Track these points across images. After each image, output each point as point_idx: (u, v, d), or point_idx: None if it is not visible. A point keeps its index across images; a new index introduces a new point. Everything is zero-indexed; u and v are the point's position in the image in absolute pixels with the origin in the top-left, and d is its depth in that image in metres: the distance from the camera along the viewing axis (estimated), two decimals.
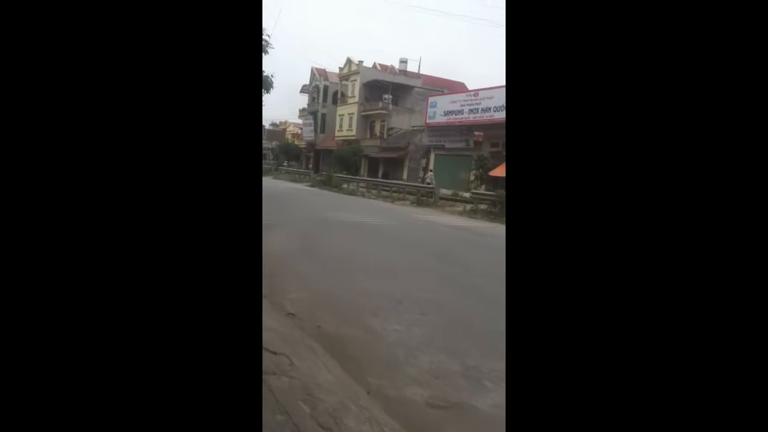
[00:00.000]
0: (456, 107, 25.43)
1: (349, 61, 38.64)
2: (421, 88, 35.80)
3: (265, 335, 3.36)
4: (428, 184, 24.52)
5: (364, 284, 5.24)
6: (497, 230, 11.06)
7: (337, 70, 40.33)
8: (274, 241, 7.40)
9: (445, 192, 18.58)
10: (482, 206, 14.96)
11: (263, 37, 11.52)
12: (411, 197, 18.71)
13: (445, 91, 30.95)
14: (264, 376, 2.69)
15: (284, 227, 9.09)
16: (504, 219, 13.09)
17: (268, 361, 2.93)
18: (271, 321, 3.79)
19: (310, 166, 41.41)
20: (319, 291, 4.88)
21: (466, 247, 8.93)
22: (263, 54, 11.53)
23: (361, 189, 22.81)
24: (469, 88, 29.31)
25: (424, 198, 17.81)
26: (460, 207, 16.36)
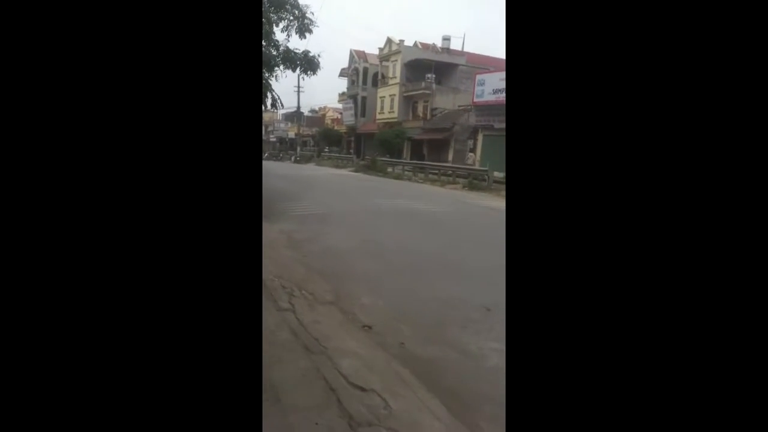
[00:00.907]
0: (505, 84, 24.09)
1: (389, 41, 37.56)
2: (466, 66, 34.38)
3: (349, 363, 2.81)
4: (470, 165, 23.79)
5: (439, 287, 4.62)
6: None
7: (376, 52, 39.39)
8: (330, 235, 6.88)
9: (497, 175, 17.56)
10: None
11: (308, 15, 10.81)
12: (462, 180, 17.81)
13: (491, 69, 29.51)
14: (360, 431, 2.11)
15: (337, 218, 8.57)
16: None
17: (358, 403, 2.35)
18: (349, 340, 3.23)
19: (351, 150, 41.03)
20: (392, 296, 4.30)
21: None
22: (307, 33, 10.83)
23: (406, 173, 22.08)
24: None
25: (476, 182, 16.88)
26: None
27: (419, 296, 4.32)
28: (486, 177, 17.02)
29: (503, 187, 15.93)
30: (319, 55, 11.41)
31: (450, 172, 19.91)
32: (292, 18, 10.60)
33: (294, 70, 11.24)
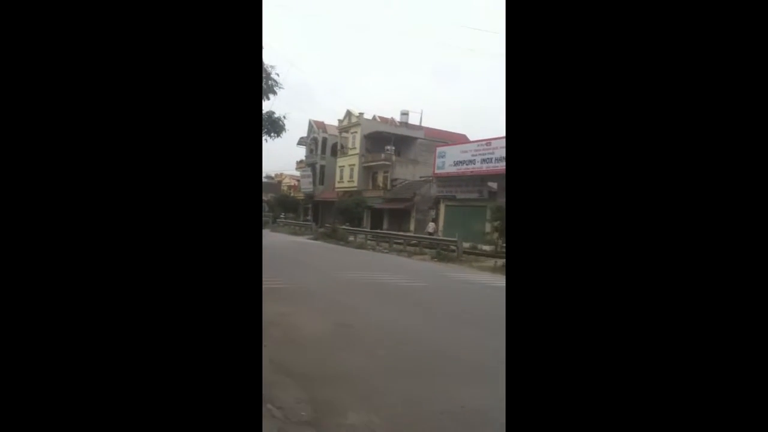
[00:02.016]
0: (467, 157, 24.36)
1: (348, 114, 38.16)
2: (424, 139, 35.11)
3: None
4: (430, 234, 23.32)
5: (447, 393, 3.52)
6: None
7: (335, 123, 39.79)
8: (296, 316, 5.67)
9: (465, 245, 16.91)
10: None
11: (273, 76, 10.15)
12: (429, 251, 16.99)
13: (449, 143, 30.06)
14: None
15: (303, 295, 7.35)
16: None
17: None
18: None
19: (308, 217, 40.21)
20: (388, 410, 3.14)
21: None
22: (272, 95, 10.12)
23: (369, 242, 21.13)
24: (470, 140, 28.57)
25: (445, 252, 16.09)
26: (489, 262, 14.65)
27: (425, 409, 3.20)
28: (455, 248, 16.28)
29: (473, 258, 15.19)
30: (284, 117, 10.71)
31: (415, 242, 19.10)
32: None
33: None
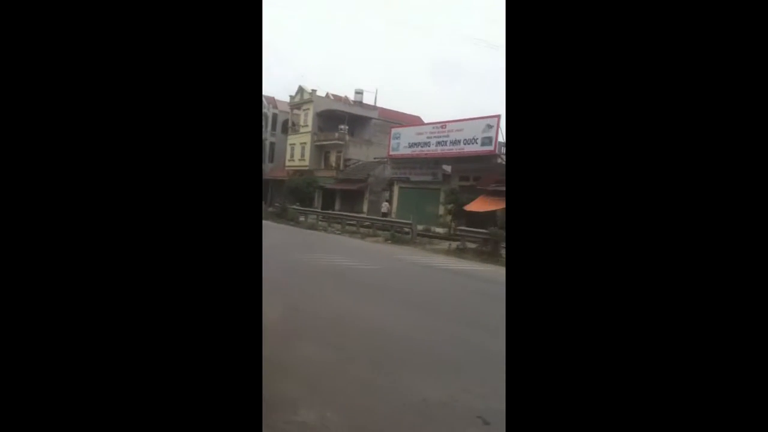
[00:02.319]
0: (422, 139, 24.22)
1: (301, 90, 37.02)
2: (378, 120, 34.69)
3: None
4: (384, 214, 23.39)
5: (409, 384, 3.31)
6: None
7: (287, 98, 38.57)
8: None
9: (418, 228, 16.81)
10: (471, 245, 13.26)
11: None
12: (383, 233, 16.80)
13: (403, 124, 29.82)
14: None
15: None
16: (499, 259, 11.49)
17: None
18: None
19: None
20: (345, 403, 2.89)
21: (493, 306, 6.19)
22: None
23: (321, 223, 20.68)
24: (425, 122, 28.40)
25: (399, 234, 15.94)
26: (443, 245, 14.63)
27: (385, 402, 2.97)
28: (409, 230, 16.16)
29: (427, 240, 15.15)
30: None
31: (369, 223, 18.84)
32: None
33: None
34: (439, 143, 23.10)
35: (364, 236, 16.77)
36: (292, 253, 10.13)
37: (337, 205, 29.96)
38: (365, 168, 30.12)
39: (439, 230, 19.12)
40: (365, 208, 27.86)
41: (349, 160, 32.26)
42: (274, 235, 14.87)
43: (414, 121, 34.30)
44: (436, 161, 23.21)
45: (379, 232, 17.11)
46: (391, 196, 26.51)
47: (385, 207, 25.03)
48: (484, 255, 12.17)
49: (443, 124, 23.08)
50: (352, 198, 29.59)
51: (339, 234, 17.67)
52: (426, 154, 23.89)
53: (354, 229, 18.36)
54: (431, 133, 23.86)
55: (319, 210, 24.58)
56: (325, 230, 18.73)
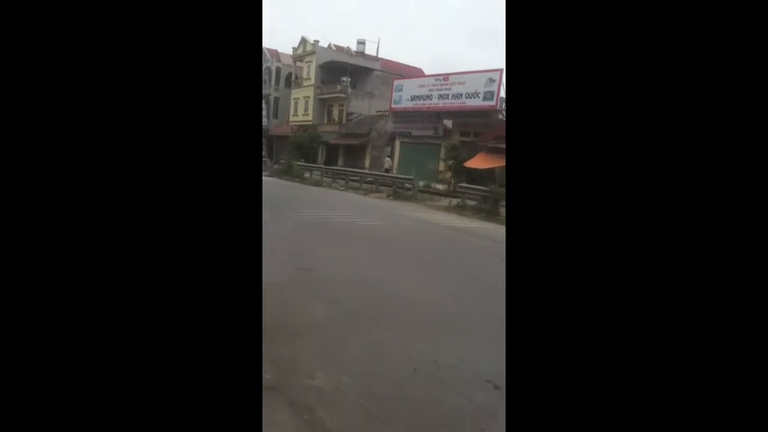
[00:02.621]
0: (424, 92, 23.69)
1: (303, 41, 35.92)
2: (381, 71, 33.84)
3: None
4: (386, 170, 23.36)
5: (417, 346, 3.42)
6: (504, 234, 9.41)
7: (289, 51, 37.54)
8: None
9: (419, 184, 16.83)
10: (471, 202, 13.30)
11: None
12: (385, 189, 16.83)
13: (405, 76, 29.11)
14: None
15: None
16: (498, 218, 11.56)
17: None
18: None
19: (263, 153, 38.80)
20: (356, 367, 3.02)
21: (496, 264, 6.31)
22: None
23: (325, 179, 20.67)
24: (426, 74, 27.67)
25: (400, 190, 15.97)
26: (443, 201, 14.66)
27: (395, 365, 3.09)
28: (410, 186, 16.17)
29: (428, 197, 15.19)
30: None
31: (371, 179, 18.81)
32: None
33: None
34: (440, 96, 22.64)
35: (367, 192, 16.84)
36: (298, 211, 10.21)
37: (339, 161, 29.78)
38: (367, 122, 29.69)
39: (440, 186, 19.09)
40: (367, 163, 27.70)
41: (352, 113, 31.75)
42: (281, 193, 14.93)
43: (416, 72, 33.51)
44: (438, 115, 22.84)
45: (382, 188, 17.13)
46: (392, 152, 26.31)
47: (387, 163, 24.91)
48: (484, 213, 12.26)
49: (445, 77, 22.54)
50: (354, 153, 29.36)
51: (343, 190, 17.71)
52: (428, 107, 23.45)
53: (357, 185, 18.37)
54: (433, 85, 23.33)
55: (325, 167, 24.44)
56: (330, 186, 18.75)
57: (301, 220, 8.88)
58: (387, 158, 25.41)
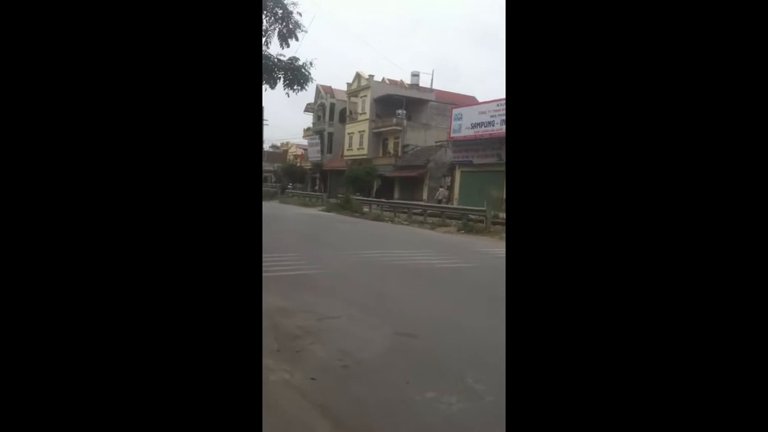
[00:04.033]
0: (486, 118, 22.81)
1: (358, 77, 36.27)
2: (436, 102, 33.40)
3: None
4: (439, 201, 22.47)
5: None
6: None
7: (344, 87, 37.95)
8: (338, 321, 4.41)
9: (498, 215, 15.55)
10: None
11: (295, 15, 8.34)
12: (453, 222, 15.71)
13: (459, 106, 28.26)
14: None
15: (336, 282, 6.11)
16: None
17: None
18: None
19: (316, 187, 38.99)
20: None
21: None
22: (292, 40, 8.38)
23: (386, 213, 19.85)
24: (479, 101, 26.87)
25: (471, 223, 14.79)
26: None
27: None
28: (478, 217, 14.99)
29: (501, 228, 13.90)
30: (311, 64, 8.63)
31: (437, 212, 17.75)
32: (272, 19, 7.98)
33: (273, 86, 8.52)
34: (504, 121, 21.59)
35: (433, 226, 15.75)
36: (368, 249, 9.31)
37: (396, 194, 29.19)
38: (424, 153, 29.06)
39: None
40: (425, 195, 26.91)
41: (407, 145, 31.32)
42: (343, 229, 14.17)
43: (470, 101, 32.63)
44: (501, 141, 21.74)
45: (449, 221, 16.01)
46: (452, 181, 25.34)
47: (440, 194, 23.99)
48: None
49: None
50: (411, 185, 28.69)
51: (407, 225, 16.74)
52: (490, 134, 22.51)
53: (421, 218, 17.36)
54: (495, 111, 22.40)
55: (383, 200, 23.70)
56: (392, 221, 17.86)
57: (377, 263, 7.92)
58: (440, 189, 24.48)
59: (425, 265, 8.00)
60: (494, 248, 10.55)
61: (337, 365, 3.32)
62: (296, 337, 3.85)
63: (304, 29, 8.13)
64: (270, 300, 4.55)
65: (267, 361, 3.23)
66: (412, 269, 7.49)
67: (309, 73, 8.41)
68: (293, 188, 38.73)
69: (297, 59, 8.40)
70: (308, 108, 43.46)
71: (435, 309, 5.12)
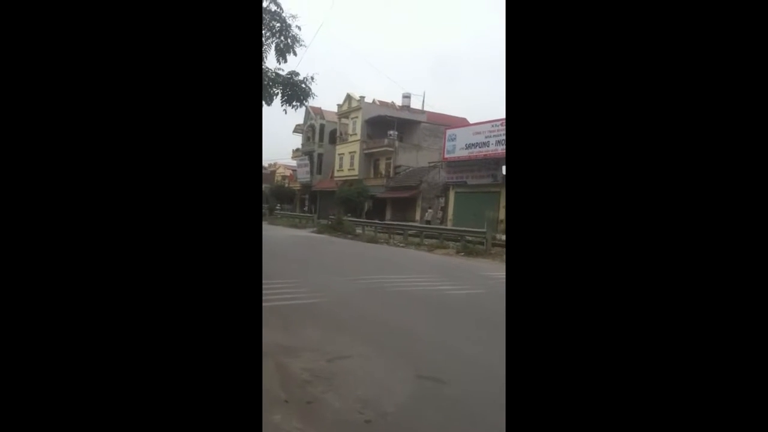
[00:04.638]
0: (480, 139, 22.64)
1: (348, 98, 36.15)
2: (428, 123, 33.33)
3: None
4: (428, 222, 22.23)
5: None
6: None
7: (335, 109, 37.78)
8: (350, 361, 3.85)
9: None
10: None
11: (294, 30, 7.90)
12: (451, 243, 15.27)
13: (450, 127, 28.15)
14: None
15: (342, 314, 5.57)
16: None
17: None
18: None
19: (305, 208, 38.47)
20: None
21: None
22: (289, 55, 7.94)
23: (380, 234, 19.34)
24: (471, 122, 26.83)
25: (471, 245, 14.35)
26: None
27: None
28: (483, 239, 14.56)
29: (500, 250, 13.49)
30: (312, 79, 8.04)
31: (434, 233, 17.28)
32: (269, 34, 7.54)
33: (270, 102, 8.02)
34: (499, 142, 21.45)
35: (431, 248, 15.27)
36: (367, 274, 8.78)
37: (387, 214, 28.76)
38: (417, 174, 28.79)
39: (504, 237, 17.42)
40: (417, 215, 26.55)
41: (399, 166, 31.05)
42: (337, 252, 13.63)
43: (461, 123, 32.59)
44: (496, 162, 21.55)
45: (447, 243, 15.55)
46: (446, 202, 25.03)
47: (429, 214, 23.72)
48: None
49: (502, 121, 21.36)
50: (404, 206, 28.29)
51: (403, 246, 16.24)
52: (485, 154, 22.32)
53: (417, 240, 16.89)
54: (490, 131, 22.27)
55: (376, 221, 23.22)
56: (387, 243, 17.36)
57: (380, 290, 7.38)
58: (429, 210, 24.22)
59: (433, 291, 7.47)
60: (498, 272, 10.07)
61: (359, 419, 2.79)
62: (305, 383, 3.31)
63: (303, 44, 7.67)
64: (270, 336, 4.00)
65: (275, 417, 2.70)
66: (419, 297, 6.96)
67: (310, 89, 7.92)
68: (282, 209, 38.12)
69: (297, 73, 7.93)
70: (297, 129, 43.21)
71: (456, 345, 4.59)
